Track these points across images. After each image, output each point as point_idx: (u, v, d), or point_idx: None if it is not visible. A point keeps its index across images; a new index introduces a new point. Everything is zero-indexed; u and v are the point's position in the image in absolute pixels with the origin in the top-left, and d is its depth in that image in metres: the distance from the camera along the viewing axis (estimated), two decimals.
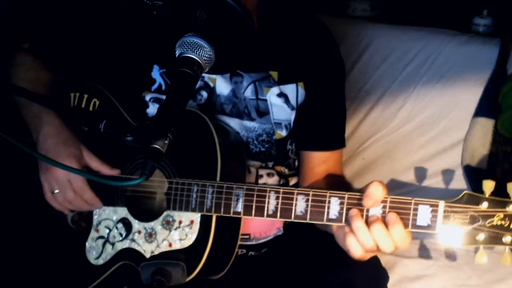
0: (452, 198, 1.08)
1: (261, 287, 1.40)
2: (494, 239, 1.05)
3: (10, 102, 1.35)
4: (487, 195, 1.06)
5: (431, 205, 1.08)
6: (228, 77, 1.42)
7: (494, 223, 1.05)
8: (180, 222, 1.26)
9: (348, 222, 1.12)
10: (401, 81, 2.04)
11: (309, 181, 1.48)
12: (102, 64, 1.42)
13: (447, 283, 1.66)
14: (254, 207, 1.20)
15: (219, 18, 1.06)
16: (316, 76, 1.45)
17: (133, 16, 1.38)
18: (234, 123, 1.41)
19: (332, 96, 1.50)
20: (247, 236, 1.44)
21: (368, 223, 1.10)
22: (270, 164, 1.45)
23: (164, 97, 1.39)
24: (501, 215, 1.04)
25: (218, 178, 1.24)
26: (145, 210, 1.34)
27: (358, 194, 1.12)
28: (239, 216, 1.23)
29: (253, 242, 1.46)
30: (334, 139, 1.51)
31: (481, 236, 1.05)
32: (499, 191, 1.05)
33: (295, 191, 1.18)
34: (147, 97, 1.41)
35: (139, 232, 1.31)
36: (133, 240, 1.31)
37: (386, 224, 1.09)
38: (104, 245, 1.35)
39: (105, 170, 1.31)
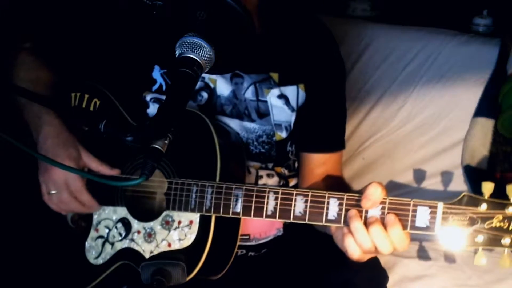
0: (451, 199, 1.08)
1: (261, 287, 1.40)
2: (493, 241, 1.05)
3: (10, 102, 1.36)
4: (486, 197, 1.05)
5: (430, 207, 1.08)
6: (228, 78, 1.42)
7: (493, 225, 1.05)
8: (179, 222, 1.27)
9: (346, 223, 1.12)
10: (401, 81, 2.04)
11: (309, 182, 1.49)
12: (103, 64, 1.43)
13: (447, 283, 1.66)
14: (253, 207, 1.21)
15: (219, 18, 1.06)
16: (317, 78, 1.45)
17: (133, 16, 1.38)
18: (234, 124, 1.41)
19: (333, 98, 1.50)
20: (247, 237, 1.45)
21: (366, 224, 1.10)
22: (270, 165, 1.46)
23: (164, 97, 1.39)
24: (500, 217, 1.04)
25: (217, 179, 1.24)
26: (145, 210, 1.34)
27: (357, 195, 1.12)
28: (238, 216, 1.23)
29: (253, 243, 1.46)
30: (334, 141, 1.51)
31: (480, 238, 1.05)
32: (498, 193, 1.05)
33: (294, 192, 1.18)
34: (148, 97, 1.41)
35: (139, 232, 1.31)
36: (132, 240, 1.31)
37: (384, 226, 1.09)
38: (103, 244, 1.35)
39: (105, 170, 1.31)
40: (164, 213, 1.28)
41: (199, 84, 1.40)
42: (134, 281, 1.28)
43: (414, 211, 1.09)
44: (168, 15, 1.11)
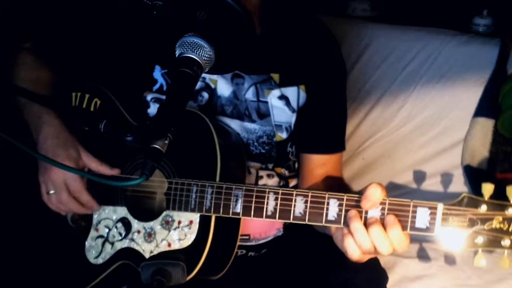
0: (451, 200, 1.08)
1: (261, 287, 1.40)
2: (493, 242, 1.05)
3: (10, 102, 1.36)
4: (486, 198, 1.05)
5: (430, 208, 1.08)
6: (229, 78, 1.42)
7: (493, 226, 1.05)
8: (179, 222, 1.27)
9: (346, 223, 1.12)
10: (401, 81, 2.03)
11: (309, 183, 1.49)
12: (103, 64, 1.43)
13: (447, 283, 1.66)
14: (253, 207, 1.21)
15: (219, 18, 1.06)
16: (318, 79, 1.45)
17: (133, 16, 1.38)
18: (234, 124, 1.41)
19: (334, 99, 1.50)
20: (247, 237, 1.45)
21: (366, 225, 1.10)
22: (270, 165, 1.46)
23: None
24: (500, 218, 1.04)
25: (217, 179, 1.24)
26: (145, 210, 1.34)
27: (357, 196, 1.13)
28: (238, 216, 1.23)
29: (253, 243, 1.46)
30: (334, 142, 1.51)
31: (480, 239, 1.05)
32: (498, 194, 1.05)
33: (294, 192, 1.18)
34: (148, 97, 1.41)
35: (139, 231, 1.31)
36: (132, 239, 1.31)
37: (384, 226, 1.09)
38: (103, 244, 1.35)
39: (105, 170, 1.32)
40: (164, 213, 1.28)
41: (199, 84, 1.40)
42: (134, 281, 1.28)
43: (414, 212, 1.09)
44: (168, 15, 1.11)
